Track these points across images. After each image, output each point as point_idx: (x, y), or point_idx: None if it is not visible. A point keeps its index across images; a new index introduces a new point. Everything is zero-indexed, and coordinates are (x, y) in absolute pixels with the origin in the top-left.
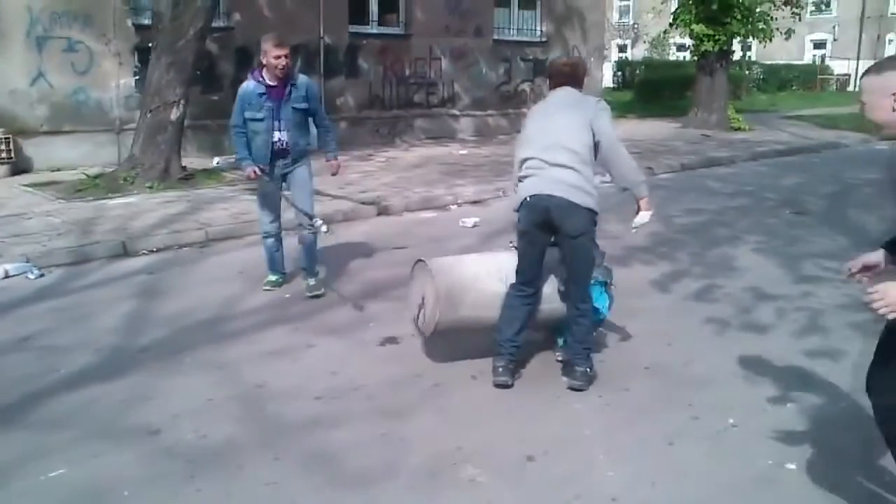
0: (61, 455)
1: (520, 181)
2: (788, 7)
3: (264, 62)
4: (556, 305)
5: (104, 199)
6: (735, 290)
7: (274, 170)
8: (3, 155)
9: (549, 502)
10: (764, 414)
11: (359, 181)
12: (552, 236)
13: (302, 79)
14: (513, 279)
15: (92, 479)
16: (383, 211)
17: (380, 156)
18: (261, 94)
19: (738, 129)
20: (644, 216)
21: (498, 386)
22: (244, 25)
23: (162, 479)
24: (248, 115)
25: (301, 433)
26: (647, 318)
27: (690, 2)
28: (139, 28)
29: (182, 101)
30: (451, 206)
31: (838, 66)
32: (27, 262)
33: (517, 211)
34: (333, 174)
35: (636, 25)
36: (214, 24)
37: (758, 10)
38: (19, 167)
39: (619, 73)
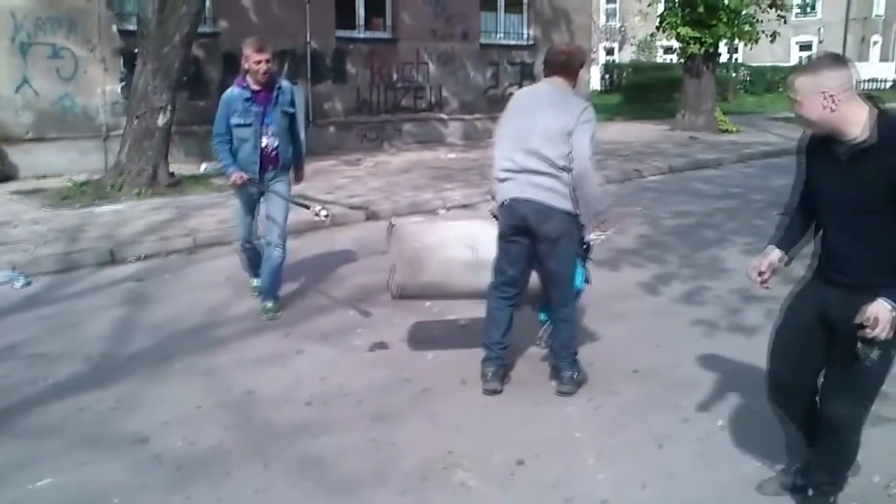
0: (50, 464)
1: (499, 181)
2: (774, 9)
3: (246, 67)
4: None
5: (91, 206)
6: (723, 291)
7: (263, 180)
8: None
9: None
10: (753, 416)
11: (347, 186)
12: (531, 239)
13: (286, 84)
14: (483, 247)
15: (81, 488)
16: (372, 216)
17: (368, 160)
18: (247, 100)
19: (726, 130)
20: (598, 236)
21: (487, 392)
22: (231, 31)
23: (151, 486)
24: (233, 121)
25: (290, 439)
26: (636, 321)
27: (676, 5)
28: (124, 34)
29: (169, 107)
30: (440, 211)
31: None
32: (14, 270)
33: (495, 216)
34: (296, 179)
35: (623, 28)
36: (201, 30)
37: (743, 12)
38: (5, 175)
39: (607, 76)
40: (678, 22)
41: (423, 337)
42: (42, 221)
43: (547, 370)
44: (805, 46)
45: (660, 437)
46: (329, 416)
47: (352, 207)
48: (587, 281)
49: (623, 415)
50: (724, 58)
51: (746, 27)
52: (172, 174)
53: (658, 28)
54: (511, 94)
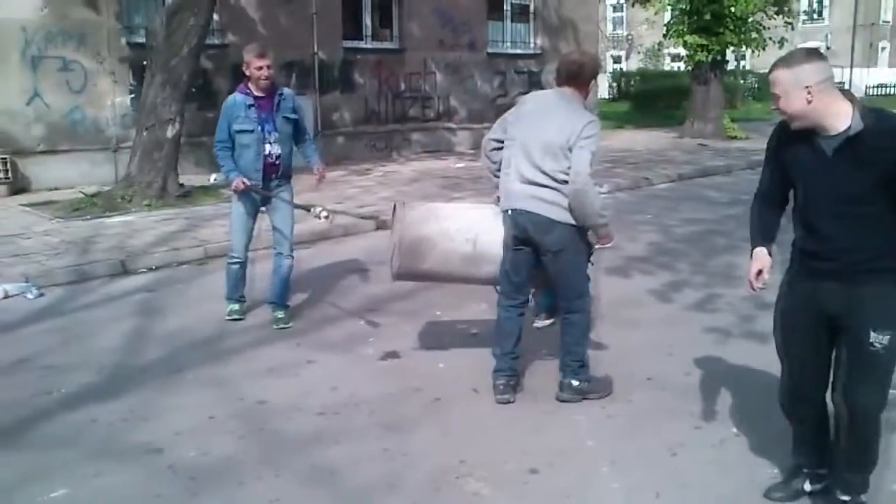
0: (63, 475)
1: (502, 187)
2: (781, 16)
3: (247, 73)
4: None
5: (102, 217)
6: (735, 298)
7: (266, 189)
8: (1, 175)
9: None
10: (767, 422)
11: (357, 196)
12: (535, 249)
13: (287, 90)
14: (482, 239)
15: (94, 499)
16: (382, 225)
17: (377, 170)
18: (249, 106)
19: (734, 137)
20: (605, 246)
21: (500, 403)
22: (239, 43)
23: (165, 497)
24: (236, 127)
25: (303, 449)
26: (648, 329)
27: (683, 13)
28: (133, 46)
29: (178, 119)
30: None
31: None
32: (26, 281)
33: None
34: (319, 179)
35: (630, 36)
36: (209, 42)
37: (750, 19)
38: (17, 187)
39: (615, 85)
40: (685, 30)
41: (434, 346)
42: (54, 233)
43: (558, 379)
44: None
45: (673, 444)
46: (341, 425)
47: (361, 217)
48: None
49: (636, 423)
50: (731, 65)
51: (753, 34)
52: (182, 185)
53: (665, 36)
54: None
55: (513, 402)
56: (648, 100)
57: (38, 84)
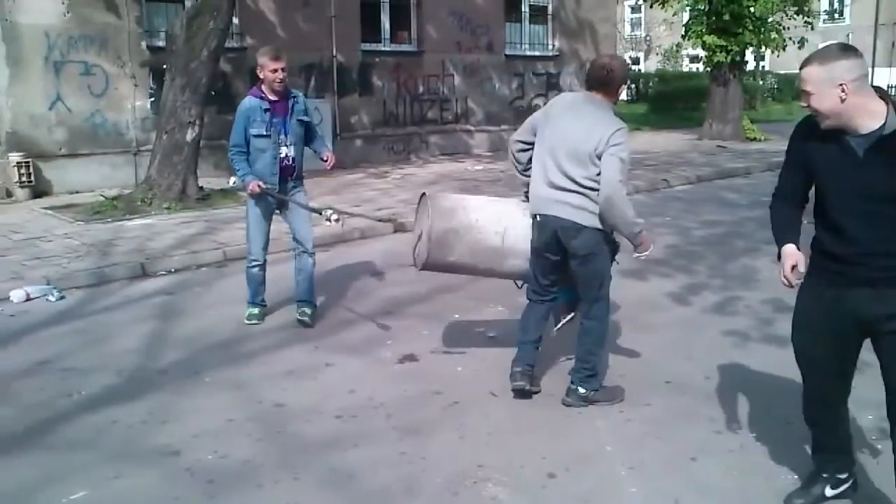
0: (83, 477)
1: (532, 192)
2: (801, 16)
3: (261, 76)
4: None
5: (122, 220)
6: (755, 301)
7: (282, 191)
8: (24, 179)
9: None
10: (788, 427)
11: (375, 198)
12: (563, 253)
13: (297, 92)
14: (511, 234)
15: (113, 501)
16: (399, 228)
17: (395, 173)
18: (265, 110)
19: (754, 139)
20: (642, 255)
21: (514, 391)
22: (257, 46)
23: (183, 499)
24: (252, 131)
25: (321, 452)
26: (667, 332)
27: (702, 13)
28: (154, 50)
29: (197, 122)
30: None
31: None
32: (48, 284)
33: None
34: (327, 165)
35: (648, 38)
36: (228, 45)
37: (769, 19)
38: (39, 190)
39: (633, 86)
40: (704, 30)
41: (452, 348)
42: (74, 236)
43: None
44: None
45: (692, 449)
46: (359, 429)
47: (380, 220)
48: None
49: (655, 427)
50: (750, 66)
51: (773, 34)
52: (201, 188)
53: (683, 37)
54: (537, 105)
55: (527, 392)
56: (666, 101)
57: (60, 88)
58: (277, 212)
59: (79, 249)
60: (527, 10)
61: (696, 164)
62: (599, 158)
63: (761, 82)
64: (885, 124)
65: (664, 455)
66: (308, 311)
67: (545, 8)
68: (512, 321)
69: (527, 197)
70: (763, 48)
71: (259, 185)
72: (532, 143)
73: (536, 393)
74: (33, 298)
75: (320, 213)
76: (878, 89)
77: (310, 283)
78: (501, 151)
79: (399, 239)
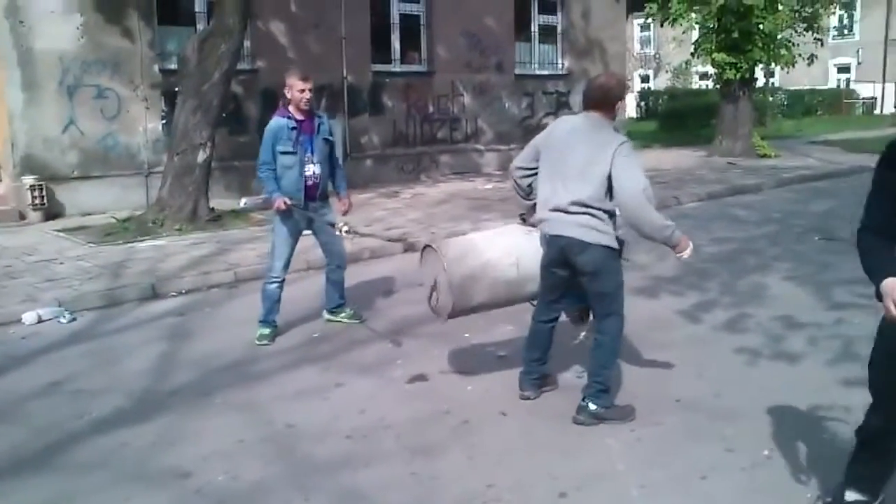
0: (93, 499)
1: (540, 218)
2: (810, 32)
3: (289, 96)
4: None
5: (134, 242)
6: (765, 319)
7: (308, 209)
8: (37, 201)
9: None
10: (799, 445)
11: (385, 218)
12: (572, 270)
13: (322, 114)
14: (524, 261)
15: None
16: (410, 247)
17: (406, 192)
18: (293, 129)
19: (765, 155)
20: (683, 254)
21: (522, 398)
22: (269, 67)
23: None
24: (280, 149)
25: (331, 473)
26: (677, 350)
27: (711, 31)
28: (166, 73)
29: (209, 144)
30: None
31: (864, 90)
32: (59, 306)
33: (523, 218)
34: (344, 213)
35: (658, 55)
36: (239, 67)
37: (779, 36)
38: (52, 212)
39: (643, 104)
40: (713, 48)
41: (462, 368)
42: (86, 258)
43: None
44: (843, 69)
45: (704, 468)
46: (369, 449)
47: (390, 240)
48: None
49: (666, 446)
50: (760, 82)
51: (783, 51)
52: (213, 209)
53: (693, 54)
54: (546, 124)
55: (533, 399)
56: (677, 118)
57: (73, 112)
58: (308, 231)
59: (90, 271)
60: (536, 29)
61: (707, 181)
62: (609, 177)
63: (771, 99)
64: None
65: (675, 474)
66: (350, 311)
67: (555, 27)
68: (522, 340)
69: (522, 219)
70: (773, 65)
71: (285, 202)
72: (533, 169)
73: (552, 390)
74: (45, 320)
75: (332, 226)
76: None
77: (341, 288)
78: None
79: (409, 258)
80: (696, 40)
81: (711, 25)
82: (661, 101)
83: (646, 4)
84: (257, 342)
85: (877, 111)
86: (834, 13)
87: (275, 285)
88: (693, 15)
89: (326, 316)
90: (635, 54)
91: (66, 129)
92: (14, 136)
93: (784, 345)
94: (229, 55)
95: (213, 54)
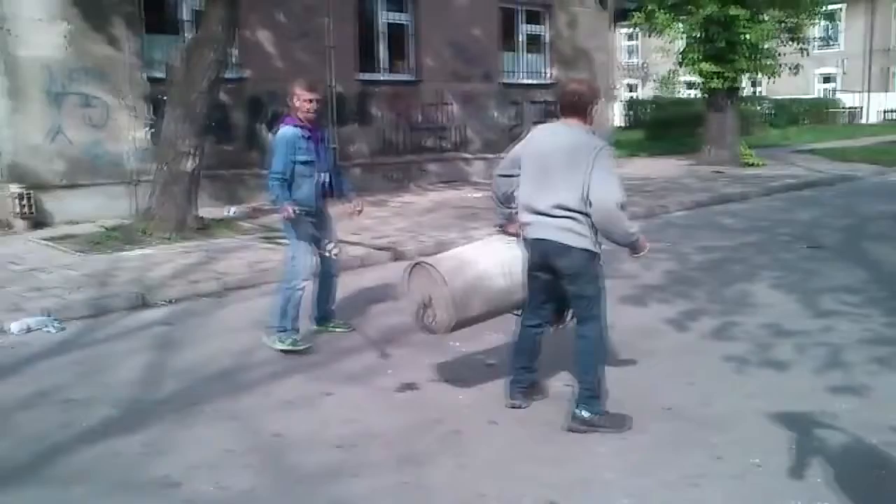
0: None
1: (522, 223)
2: (795, 43)
3: (296, 105)
4: None
5: (121, 250)
6: (753, 326)
7: (319, 214)
8: (24, 210)
9: None
10: (789, 452)
11: (373, 227)
12: (553, 274)
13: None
14: (514, 269)
15: None
16: (398, 256)
17: (393, 201)
18: (306, 138)
19: (751, 164)
20: (640, 255)
21: (511, 406)
22: (256, 76)
23: None
24: (299, 158)
25: (320, 483)
26: (666, 358)
27: (697, 41)
28: (153, 81)
29: (196, 152)
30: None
31: (848, 99)
32: (47, 315)
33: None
34: (359, 211)
35: (645, 65)
36: (226, 76)
37: (764, 46)
38: (38, 221)
39: (630, 113)
40: (699, 57)
41: (452, 377)
42: (74, 267)
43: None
44: (828, 78)
45: (693, 476)
46: (358, 458)
47: (378, 248)
48: None
49: (655, 454)
50: (746, 91)
51: (768, 61)
52: (200, 218)
53: (679, 64)
54: None
55: (523, 408)
56: (663, 128)
57: (60, 120)
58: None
59: (78, 280)
60: (523, 39)
61: (694, 189)
62: (588, 181)
63: (757, 108)
64: None
65: (665, 482)
66: (340, 321)
67: (541, 37)
68: (510, 348)
69: (500, 228)
70: (758, 74)
71: (294, 210)
72: (514, 176)
73: (541, 398)
74: (33, 330)
75: (322, 243)
76: None
77: (333, 300)
78: None
79: (397, 267)
80: (682, 50)
81: (697, 35)
82: (647, 110)
83: (631, 14)
84: (299, 346)
85: (861, 120)
86: (817, 24)
87: (301, 291)
88: (678, 25)
89: (314, 326)
90: (622, 64)
91: (52, 138)
92: (0, 144)
93: (772, 352)
94: (216, 64)
95: (200, 63)
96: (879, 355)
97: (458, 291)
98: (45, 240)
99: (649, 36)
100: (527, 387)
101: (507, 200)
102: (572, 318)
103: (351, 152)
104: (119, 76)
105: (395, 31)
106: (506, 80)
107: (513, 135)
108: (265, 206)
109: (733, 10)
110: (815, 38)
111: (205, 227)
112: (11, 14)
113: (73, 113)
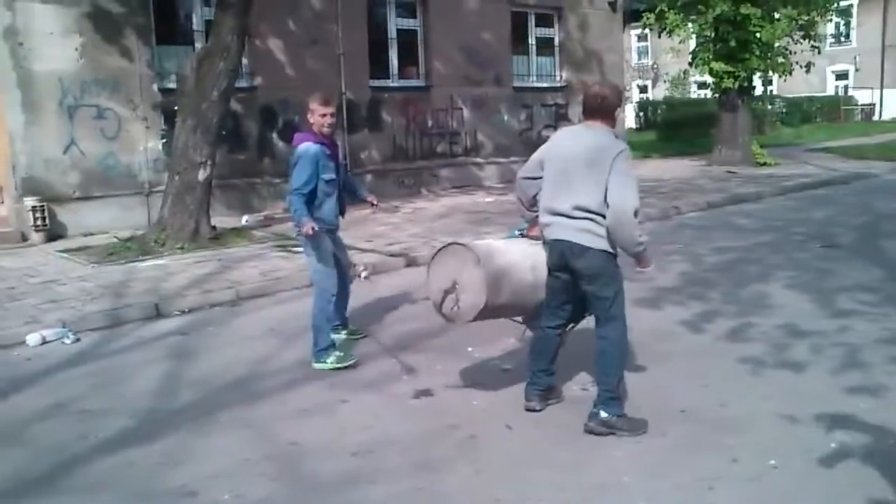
0: None
1: (543, 224)
2: (807, 40)
3: (311, 120)
4: None
5: (136, 261)
6: (769, 327)
7: (336, 230)
8: (39, 222)
9: None
10: (806, 454)
11: (386, 233)
12: (572, 275)
13: None
14: (540, 267)
15: None
16: (412, 262)
17: (406, 207)
18: (328, 155)
19: (764, 164)
20: (644, 271)
21: (528, 410)
22: (267, 85)
23: None
24: (325, 176)
25: (337, 490)
26: (681, 360)
27: (708, 40)
28: (165, 92)
29: (209, 162)
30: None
31: (862, 96)
32: (63, 327)
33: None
34: (374, 205)
35: (656, 66)
36: (238, 85)
37: (776, 45)
38: (53, 233)
39: (641, 114)
40: (711, 57)
41: (467, 382)
42: (89, 278)
43: None
44: (841, 75)
45: (710, 478)
46: (375, 465)
47: (391, 255)
48: None
49: (671, 457)
50: (758, 90)
51: (780, 59)
52: (214, 227)
53: (691, 64)
54: (546, 136)
55: (539, 412)
56: (675, 128)
57: (74, 132)
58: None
59: (93, 291)
60: (534, 42)
61: (707, 190)
62: (607, 183)
63: (770, 107)
64: None
65: (682, 485)
66: (353, 327)
67: (552, 40)
68: (526, 353)
69: (521, 234)
70: (770, 73)
71: (313, 227)
72: (538, 178)
73: (557, 402)
74: (49, 341)
75: (353, 266)
76: None
77: (346, 307)
78: (512, 183)
79: (411, 273)
80: (694, 50)
81: (708, 35)
82: (659, 111)
83: (643, 15)
84: (349, 362)
85: (875, 117)
86: (830, 21)
87: (331, 306)
88: (690, 25)
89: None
90: (633, 65)
91: (66, 150)
92: (15, 158)
93: (788, 353)
94: (227, 73)
95: (212, 73)
96: None
97: (491, 274)
98: (60, 252)
99: (660, 36)
100: (544, 390)
101: (531, 204)
102: (576, 324)
103: (363, 159)
104: (131, 88)
105: (406, 37)
106: (517, 84)
107: (524, 138)
108: (278, 214)
109: (745, 9)
110: (828, 35)
111: (218, 237)
112: (25, 28)
113: (86, 125)
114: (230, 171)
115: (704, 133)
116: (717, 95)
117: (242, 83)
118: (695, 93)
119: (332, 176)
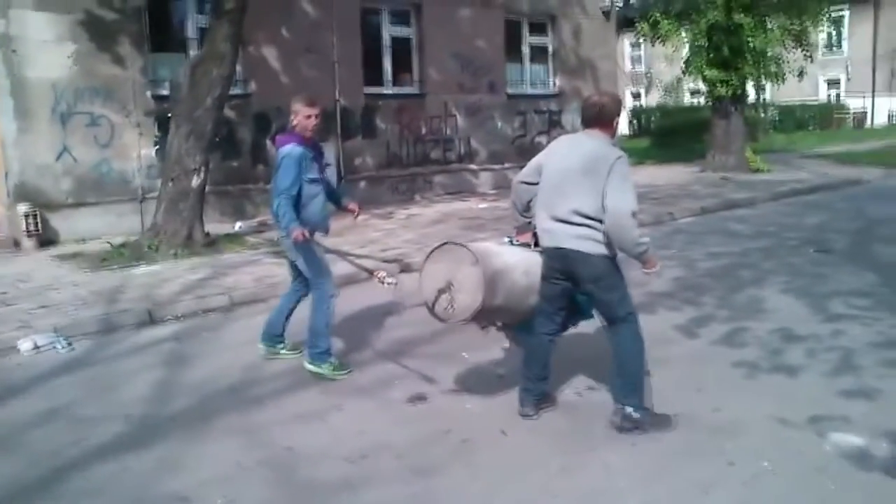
0: None
1: (540, 230)
2: (800, 49)
3: (295, 122)
4: None
5: (129, 267)
6: (763, 332)
7: (326, 232)
8: (32, 228)
9: None
10: (800, 457)
11: (380, 239)
12: (573, 281)
13: None
14: (533, 271)
15: None
16: (406, 268)
17: (400, 213)
18: (312, 158)
19: (757, 170)
20: (651, 271)
21: (522, 415)
22: (261, 92)
23: None
24: (309, 176)
25: (331, 496)
26: (675, 365)
27: (701, 48)
28: (158, 99)
29: (202, 168)
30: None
31: (854, 103)
32: (56, 333)
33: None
34: (356, 215)
35: (649, 73)
36: (232, 92)
37: (769, 52)
38: (46, 239)
39: (635, 121)
40: (704, 65)
41: (462, 387)
42: (82, 284)
43: (588, 418)
44: (833, 83)
45: (705, 483)
46: (370, 471)
47: (385, 261)
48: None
49: (666, 461)
50: (751, 97)
51: (773, 67)
52: (208, 234)
53: (684, 72)
54: (539, 143)
55: (533, 418)
56: (669, 135)
57: (66, 139)
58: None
59: (86, 297)
60: (527, 50)
61: (701, 196)
62: (604, 188)
63: (763, 114)
64: None
65: (677, 489)
66: (289, 343)
67: (545, 48)
68: (520, 358)
69: (510, 241)
70: (763, 80)
71: (304, 234)
72: (536, 183)
73: (551, 409)
74: (41, 347)
75: (371, 273)
76: None
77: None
78: (505, 189)
79: (405, 279)
80: (687, 58)
81: (702, 43)
82: (653, 118)
83: (636, 23)
84: (347, 370)
85: (867, 124)
86: (822, 30)
87: (332, 305)
88: (683, 33)
89: (260, 344)
90: (626, 72)
91: (59, 157)
92: (8, 164)
93: (782, 358)
94: (221, 80)
95: (206, 80)
96: (891, 358)
97: (488, 275)
98: (53, 258)
99: (653, 44)
100: (538, 396)
101: (525, 209)
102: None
103: (357, 165)
104: (125, 95)
105: (400, 45)
106: (511, 91)
107: (518, 145)
108: (271, 220)
109: (739, 18)
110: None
111: (212, 243)
112: (18, 35)
113: (79, 132)
114: (224, 178)
115: (698, 139)
116: (710, 102)
117: (237, 90)
118: (688, 100)
119: (316, 176)
